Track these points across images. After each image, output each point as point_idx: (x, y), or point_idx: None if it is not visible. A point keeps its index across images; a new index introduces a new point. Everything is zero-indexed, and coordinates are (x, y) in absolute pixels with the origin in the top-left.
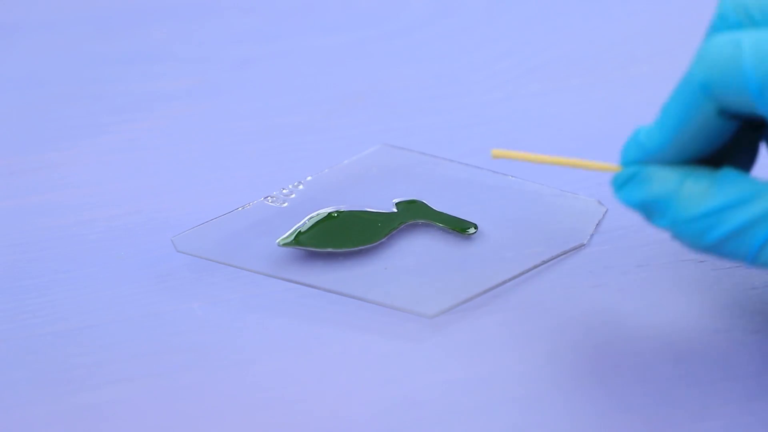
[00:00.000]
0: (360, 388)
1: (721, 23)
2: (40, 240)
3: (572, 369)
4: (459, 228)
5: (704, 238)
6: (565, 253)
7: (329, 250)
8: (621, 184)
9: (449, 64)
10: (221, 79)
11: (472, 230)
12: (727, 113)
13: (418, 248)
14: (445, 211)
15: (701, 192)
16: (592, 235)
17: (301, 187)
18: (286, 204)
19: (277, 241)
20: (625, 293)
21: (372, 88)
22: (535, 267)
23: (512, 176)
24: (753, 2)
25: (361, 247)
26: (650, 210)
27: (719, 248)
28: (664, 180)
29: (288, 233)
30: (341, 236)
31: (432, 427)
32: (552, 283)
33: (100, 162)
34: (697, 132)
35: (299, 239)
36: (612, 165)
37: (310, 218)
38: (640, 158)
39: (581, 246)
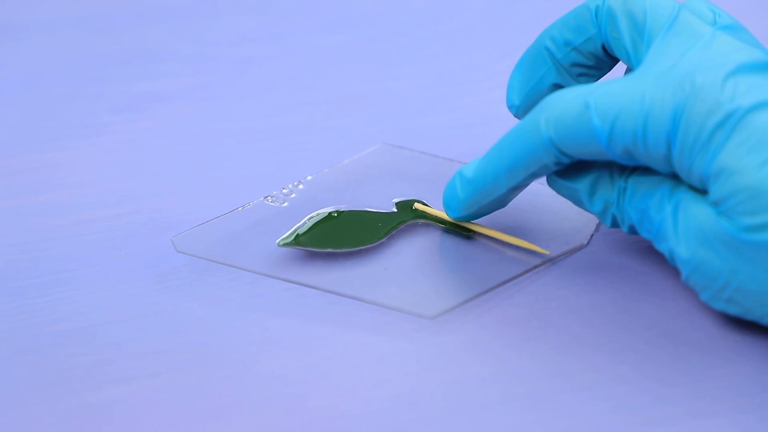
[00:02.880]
0: (360, 387)
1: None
2: (40, 240)
3: (572, 369)
4: (459, 228)
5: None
6: (565, 253)
7: (329, 250)
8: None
9: (449, 64)
10: (221, 79)
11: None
12: (563, 162)
13: (418, 248)
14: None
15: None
16: (592, 235)
17: (301, 186)
18: (286, 204)
19: (277, 241)
20: (625, 293)
21: (372, 88)
22: (535, 267)
23: None
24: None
25: (361, 247)
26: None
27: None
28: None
29: (288, 233)
30: (341, 236)
31: (432, 427)
32: (552, 283)
33: (100, 162)
34: (531, 174)
35: (299, 239)
36: (540, 248)
37: (310, 218)
38: (469, 192)
39: (581, 246)
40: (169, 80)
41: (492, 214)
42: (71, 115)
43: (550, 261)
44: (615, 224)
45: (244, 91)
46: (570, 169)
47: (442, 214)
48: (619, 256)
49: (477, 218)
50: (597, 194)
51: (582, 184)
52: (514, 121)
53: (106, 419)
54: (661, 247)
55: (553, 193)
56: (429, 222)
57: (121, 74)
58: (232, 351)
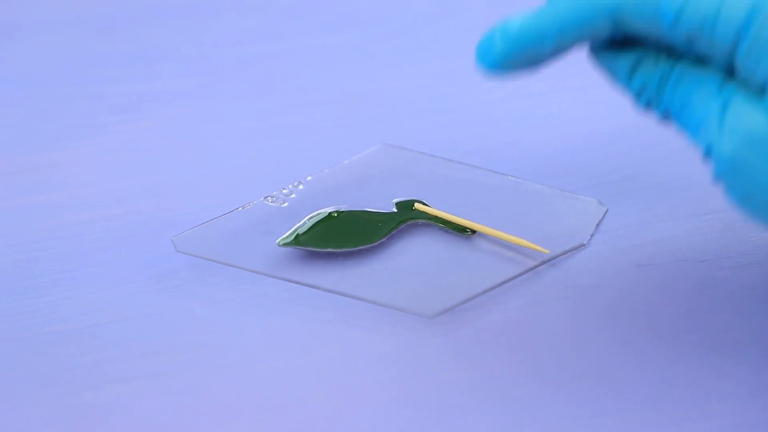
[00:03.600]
0: (360, 387)
1: None
2: (40, 240)
3: (572, 369)
4: (459, 228)
5: None
6: (565, 253)
7: (329, 250)
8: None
9: (449, 64)
10: (221, 79)
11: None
12: (616, 35)
13: (418, 248)
14: (445, 211)
15: None
16: (592, 235)
17: (301, 187)
18: (286, 204)
19: (277, 241)
20: (625, 293)
21: (372, 88)
22: (535, 267)
23: (512, 176)
24: None
25: (361, 247)
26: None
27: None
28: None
29: (288, 233)
30: (341, 236)
31: (431, 427)
32: (552, 284)
33: (100, 162)
34: (579, 39)
35: (299, 239)
36: (539, 247)
37: (310, 218)
38: (509, 44)
39: (581, 246)
40: (169, 80)
41: (492, 213)
42: (71, 115)
43: (550, 261)
44: (648, 107)
45: (244, 91)
46: (615, 41)
47: (442, 214)
48: (619, 256)
49: (503, 77)
50: (638, 72)
51: (625, 59)
52: (514, 124)
53: (106, 419)
54: (698, 140)
55: (553, 193)
56: (429, 222)
57: (121, 74)
58: (232, 351)
